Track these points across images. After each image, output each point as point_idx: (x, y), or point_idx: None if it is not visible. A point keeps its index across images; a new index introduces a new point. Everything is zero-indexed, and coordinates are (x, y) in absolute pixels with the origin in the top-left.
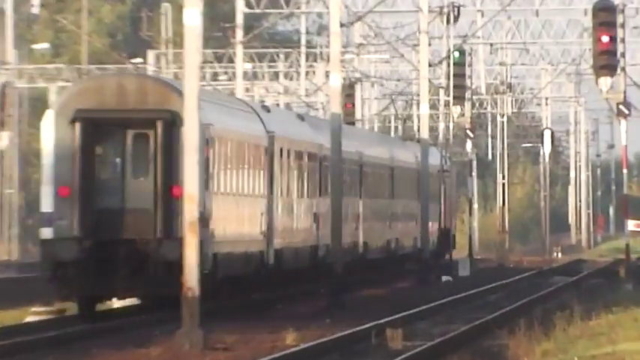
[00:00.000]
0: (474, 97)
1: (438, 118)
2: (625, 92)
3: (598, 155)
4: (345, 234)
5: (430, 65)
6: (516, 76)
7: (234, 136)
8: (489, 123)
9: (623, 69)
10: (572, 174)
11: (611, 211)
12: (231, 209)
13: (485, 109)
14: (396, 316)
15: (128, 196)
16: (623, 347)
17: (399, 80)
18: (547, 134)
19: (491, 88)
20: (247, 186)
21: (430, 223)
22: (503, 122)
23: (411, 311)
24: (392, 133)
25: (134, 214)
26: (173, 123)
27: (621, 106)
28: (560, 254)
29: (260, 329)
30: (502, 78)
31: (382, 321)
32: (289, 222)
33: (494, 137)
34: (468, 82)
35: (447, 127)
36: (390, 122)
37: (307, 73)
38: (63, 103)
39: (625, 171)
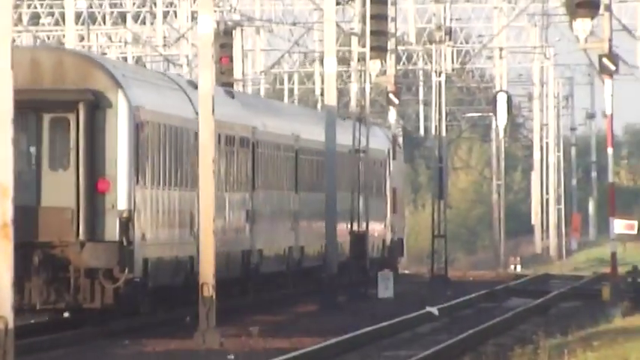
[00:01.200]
0: (400, 48)
1: (350, 77)
2: (611, 40)
3: (573, 129)
4: (279, 237)
5: (339, 3)
6: (459, 19)
7: (164, 119)
8: (421, 84)
9: (608, 7)
10: (536, 155)
11: (591, 206)
12: (163, 206)
13: (416, 64)
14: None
15: (45, 191)
16: None
17: (294, 24)
18: (501, 99)
19: (423, 36)
20: (177, 179)
21: (374, 225)
22: (440, 83)
23: (306, 350)
24: (285, 98)
25: (52, 213)
26: (97, 105)
27: (605, 60)
28: (519, 267)
29: None
30: (438, 21)
31: None
32: (221, 222)
33: (427, 104)
34: (391, 26)
35: (362, 90)
36: (282, 83)
37: (166, 15)
38: None
39: (610, 150)
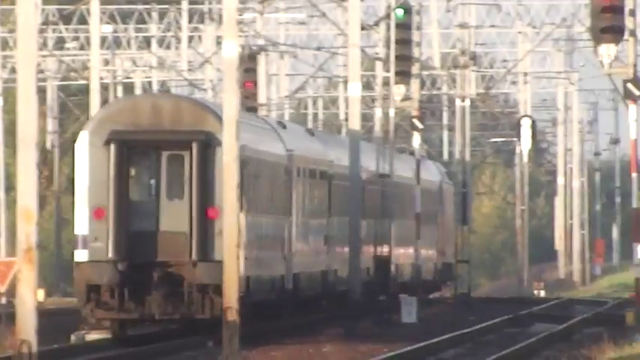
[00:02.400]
0: (425, 72)
1: (374, 102)
2: (635, 66)
3: (597, 154)
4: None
5: (363, 28)
6: (483, 43)
7: (262, 155)
8: (445, 109)
9: (633, 32)
10: (559, 180)
11: (615, 232)
12: (261, 231)
13: (440, 89)
14: None
15: (163, 218)
16: None
17: (318, 49)
18: (526, 124)
19: (447, 61)
20: (271, 207)
21: (425, 250)
22: (464, 108)
23: None
24: (309, 123)
25: (169, 237)
26: (208, 144)
27: (630, 86)
28: (542, 292)
29: None
30: (463, 46)
31: None
32: (305, 245)
33: (451, 129)
34: (415, 51)
35: (386, 115)
36: (306, 108)
37: (190, 39)
38: (97, 124)
39: (634, 175)
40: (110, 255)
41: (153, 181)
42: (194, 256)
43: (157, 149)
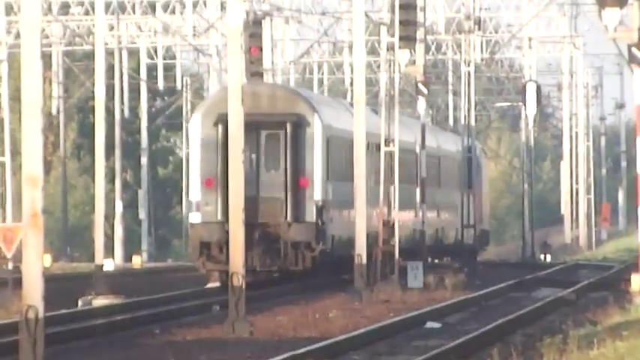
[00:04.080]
0: (429, 37)
1: (379, 67)
2: None
3: (602, 118)
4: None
5: None
6: (488, 8)
7: (342, 133)
8: (450, 74)
9: None
10: (565, 145)
11: (621, 196)
12: (343, 197)
13: (445, 54)
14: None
15: (262, 186)
16: None
17: (323, 14)
18: (531, 89)
19: (452, 26)
20: (350, 176)
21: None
22: (469, 72)
23: (334, 339)
24: (315, 89)
25: (268, 202)
26: (299, 125)
27: (634, 50)
28: (549, 257)
29: None
30: (467, 10)
31: None
32: (371, 209)
33: (456, 94)
34: (420, 16)
35: (392, 80)
36: (311, 73)
37: (195, 4)
38: (207, 108)
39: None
40: (219, 217)
41: (254, 156)
42: (289, 218)
43: (257, 129)
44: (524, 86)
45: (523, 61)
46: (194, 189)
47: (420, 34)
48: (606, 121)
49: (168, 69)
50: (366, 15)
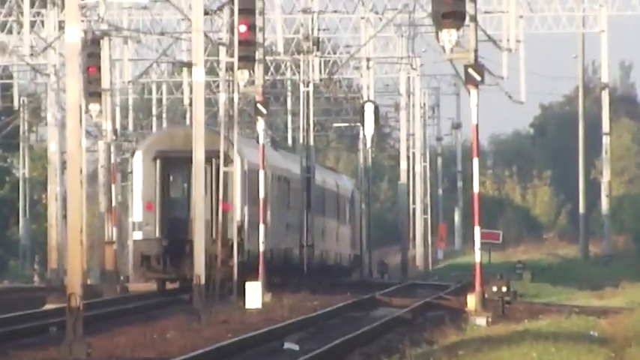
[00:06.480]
0: (269, 58)
1: (218, 87)
2: (476, 51)
3: (439, 139)
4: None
5: (206, 13)
6: (326, 29)
7: (255, 167)
8: (289, 94)
9: (474, 18)
10: (402, 165)
11: (457, 216)
12: (256, 218)
13: (284, 74)
14: None
15: (192, 209)
16: None
17: (162, 34)
18: (369, 109)
19: (291, 46)
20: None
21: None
22: (307, 93)
23: None
24: (154, 108)
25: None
26: (223, 160)
27: (471, 71)
28: (386, 277)
29: None
30: (306, 31)
31: None
32: (276, 226)
33: (295, 114)
34: (259, 36)
35: (231, 100)
36: (150, 93)
37: (33, 24)
38: (147, 146)
39: (476, 160)
40: (157, 234)
41: (185, 184)
42: (214, 236)
43: (187, 162)
44: (363, 106)
45: (361, 82)
46: (137, 211)
47: (259, 54)
48: (443, 142)
49: (6, 88)
50: (206, 35)
